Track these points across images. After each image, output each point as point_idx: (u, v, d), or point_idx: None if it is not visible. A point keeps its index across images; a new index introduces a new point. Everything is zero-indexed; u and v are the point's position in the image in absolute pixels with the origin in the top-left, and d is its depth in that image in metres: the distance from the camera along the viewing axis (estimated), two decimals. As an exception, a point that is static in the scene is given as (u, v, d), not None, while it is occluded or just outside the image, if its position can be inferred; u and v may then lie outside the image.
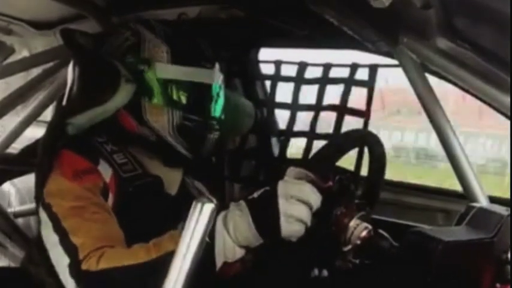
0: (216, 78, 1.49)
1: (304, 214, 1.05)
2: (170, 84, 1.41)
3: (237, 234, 1.08)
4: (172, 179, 1.50)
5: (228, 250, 1.09)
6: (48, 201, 1.30)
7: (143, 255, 1.13)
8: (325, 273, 1.31)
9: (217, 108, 1.50)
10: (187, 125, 1.43)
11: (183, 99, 1.43)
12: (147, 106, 1.42)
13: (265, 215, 1.06)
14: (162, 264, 1.01)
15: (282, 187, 1.06)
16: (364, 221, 1.26)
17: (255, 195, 1.10)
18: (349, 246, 1.25)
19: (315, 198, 1.07)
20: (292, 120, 2.11)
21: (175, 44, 1.44)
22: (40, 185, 1.35)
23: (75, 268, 1.19)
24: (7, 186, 2.44)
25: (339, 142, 1.37)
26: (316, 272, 1.32)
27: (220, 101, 1.51)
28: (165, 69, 1.41)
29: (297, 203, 1.05)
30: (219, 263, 1.09)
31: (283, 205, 1.05)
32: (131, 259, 1.14)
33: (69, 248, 1.21)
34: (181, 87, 1.42)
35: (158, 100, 1.41)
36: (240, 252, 1.10)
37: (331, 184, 1.12)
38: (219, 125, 1.50)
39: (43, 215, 1.31)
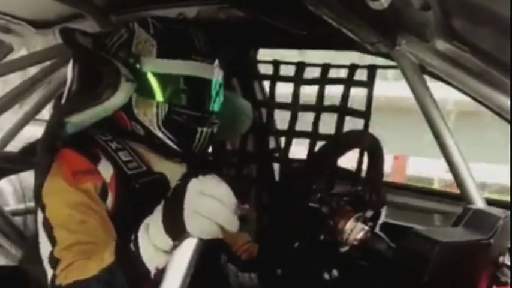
0: (208, 72, 1.47)
1: (214, 210, 0.95)
2: (159, 78, 1.41)
3: (153, 236, 1.04)
4: (176, 175, 1.50)
5: (152, 256, 1.05)
6: (44, 202, 1.31)
7: (92, 269, 1.13)
8: (335, 273, 1.31)
9: (212, 102, 1.50)
10: (176, 119, 1.43)
11: (174, 93, 1.43)
12: (136, 100, 1.43)
13: (171, 210, 1.00)
14: (102, 280, 1.09)
15: (194, 181, 0.99)
16: (361, 222, 1.27)
17: (169, 195, 1.04)
18: (346, 248, 1.26)
19: (226, 197, 0.97)
20: (293, 120, 2.13)
21: (164, 38, 1.44)
22: (39, 184, 1.35)
23: (52, 282, 1.20)
24: (4, 184, 2.44)
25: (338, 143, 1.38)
26: (326, 275, 1.32)
27: (217, 95, 1.51)
28: (152, 63, 1.42)
29: (206, 198, 0.96)
30: (151, 269, 1.06)
31: (189, 199, 0.97)
32: (83, 273, 1.14)
33: (53, 260, 1.23)
34: (171, 81, 1.42)
35: (146, 94, 1.42)
36: (165, 258, 1.03)
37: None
38: (217, 119, 1.50)
39: (40, 216, 1.31)
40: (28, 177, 1.94)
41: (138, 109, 1.43)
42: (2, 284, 1.64)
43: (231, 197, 0.97)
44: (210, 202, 0.96)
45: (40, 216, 1.31)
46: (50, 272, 1.22)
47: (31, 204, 2.05)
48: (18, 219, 2.28)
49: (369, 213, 1.35)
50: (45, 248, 1.27)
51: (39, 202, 1.32)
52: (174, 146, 1.45)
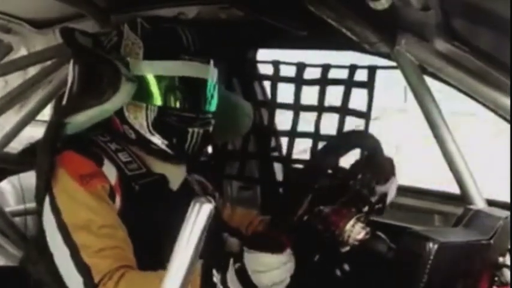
0: (197, 71, 1.46)
1: (277, 277, 1.15)
2: (148, 80, 1.41)
3: None
4: (175, 176, 1.51)
5: None
6: (58, 205, 1.31)
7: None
8: (346, 267, 1.31)
9: (205, 102, 1.49)
10: (167, 121, 1.42)
11: (163, 95, 1.42)
12: (127, 103, 1.42)
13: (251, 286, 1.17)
14: None
15: (247, 263, 1.15)
16: (362, 222, 1.27)
17: (236, 266, 1.17)
18: (347, 248, 1.26)
19: (275, 263, 1.14)
20: (295, 121, 2.13)
21: (152, 39, 1.43)
22: (41, 184, 1.35)
23: None
24: (4, 184, 2.44)
25: (338, 144, 1.38)
26: (338, 272, 1.32)
27: (209, 94, 1.49)
28: (139, 66, 1.41)
29: (266, 273, 1.14)
30: None
31: (256, 279, 1.15)
32: None
33: (81, 267, 1.25)
34: (161, 82, 1.41)
35: (135, 97, 1.40)
36: None
37: (287, 247, 1.17)
38: (211, 119, 1.49)
39: (50, 218, 1.31)
40: (28, 178, 1.94)
41: (128, 112, 1.43)
42: (2, 284, 1.64)
43: (279, 261, 1.14)
44: (269, 275, 1.14)
45: (51, 218, 1.31)
46: (77, 278, 1.25)
47: (30, 205, 2.05)
48: (18, 220, 2.28)
49: (382, 189, 1.38)
50: (60, 251, 1.28)
51: (51, 203, 1.33)
52: (166, 149, 1.44)
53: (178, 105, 1.43)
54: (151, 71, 1.41)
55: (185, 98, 1.44)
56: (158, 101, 1.41)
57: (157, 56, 1.41)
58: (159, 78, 1.41)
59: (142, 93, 1.40)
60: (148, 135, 1.43)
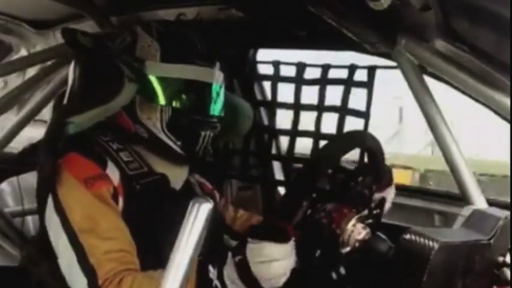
0: (211, 76, 1.49)
1: (278, 269, 1.14)
2: (163, 82, 1.42)
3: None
4: (177, 176, 1.52)
5: None
6: (63, 208, 1.31)
7: None
8: (342, 271, 1.31)
9: (215, 106, 1.51)
10: (180, 123, 1.44)
11: (177, 97, 1.44)
12: (140, 104, 1.43)
13: (250, 279, 1.15)
14: None
15: (249, 254, 1.14)
16: (362, 223, 1.27)
17: (236, 259, 1.16)
18: (348, 248, 1.26)
19: (278, 253, 1.13)
20: (295, 120, 2.14)
21: (168, 42, 1.45)
22: (43, 185, 1.35)
23: None
24: (4, 185, 2.44)
25: (338, 144, 1.38)
26: (334, 275, 1.31)
27: (219, 99, 1.52)
28: (155, 68, 1.42)
29: (266, 264, 1.13)
30: None
31: (257, 271, 1.13)
32: None
33: (87, 269, 1.24)
34: (175, 85, 1.43)
35: (150, 98, 1.42)
36: None
37: (292, 237, 1.16)
38: (219, 123, 1.51)
39: (55, 220, 1.31)
40: (27, 179, 1.94)
41: (142, 112, 1.44)
42: (2, 284, 1.64)
43: (281, 251, 1.14)
44: (270, 266, 1.13)
45: (55, 219, 1.31)
46: (82, 280, 1.24)
47: (29, 206, 2.05)
48: (17, 220, 2.28)
49: (378, 196, 1.39)
50: (65, 253, 1.28)
51: (55, 205, 1.32)
52: (178, 149, 1.45)
53: (191, 108, 1.45)
54: (168, 73, 1.43)
55: (197, 101, 1.47)
56: (173, 102, 1.43)
57: (174, 59, 1.43)
58: (174, 81, 1.43)
59: (157, 94, 1.42)
60: (161, 135, 1.44)
